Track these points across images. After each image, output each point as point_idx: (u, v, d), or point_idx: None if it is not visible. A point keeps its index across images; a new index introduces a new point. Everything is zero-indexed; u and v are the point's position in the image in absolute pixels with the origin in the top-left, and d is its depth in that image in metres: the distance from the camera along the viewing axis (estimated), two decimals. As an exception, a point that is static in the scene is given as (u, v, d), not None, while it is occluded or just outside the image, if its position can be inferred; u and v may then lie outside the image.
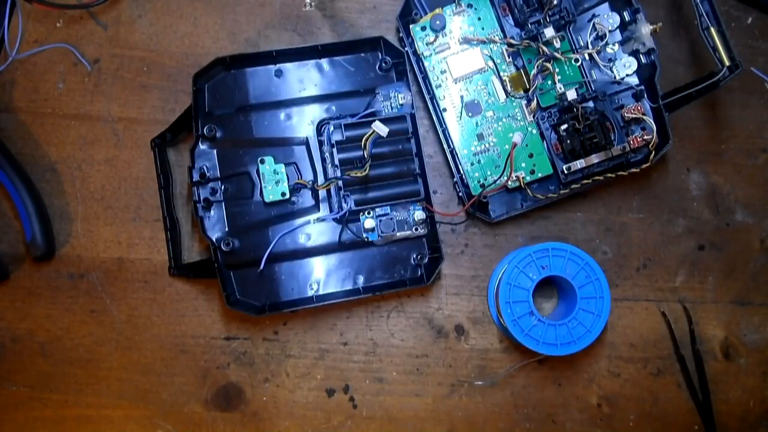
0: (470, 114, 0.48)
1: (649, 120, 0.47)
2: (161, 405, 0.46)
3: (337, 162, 0.46)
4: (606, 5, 0.48)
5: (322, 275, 0.46)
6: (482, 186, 0.47)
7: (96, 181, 0.48)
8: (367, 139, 0.44)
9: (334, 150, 0.46)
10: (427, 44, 0.48)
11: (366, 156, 0.45)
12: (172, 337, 0.47)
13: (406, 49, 0.48)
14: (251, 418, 0.47)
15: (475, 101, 0.48)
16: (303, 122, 0.47)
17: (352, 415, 0.47)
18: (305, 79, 0.48)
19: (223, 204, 0.46)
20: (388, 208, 0.46)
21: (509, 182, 0.47)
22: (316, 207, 0.46)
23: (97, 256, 0.48)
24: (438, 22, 0.48)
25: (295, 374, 0.47)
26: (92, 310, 0.47)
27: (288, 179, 0.46)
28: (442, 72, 0.48)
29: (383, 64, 0.48)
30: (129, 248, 0.48)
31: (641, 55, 0.47)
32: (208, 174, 0.46)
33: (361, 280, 0.46)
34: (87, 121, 0.49)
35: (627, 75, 0.48)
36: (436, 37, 0.48)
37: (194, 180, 0.45)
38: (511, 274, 0.45)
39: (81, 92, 0.49)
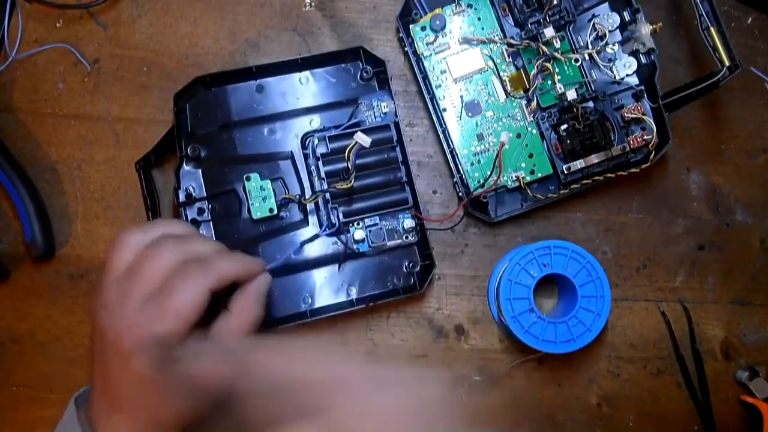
0: (470, 114, 0.48)
1: (649, 120, 0.47)
2: (161, 405, 0.46)
3: (323, 174, 0.46)
4: (606, 5, 0.48)
5: (314, 288, 0.46)
6: (481, 186, 0.47)
7: (96, 181, 0.48)
8: (350, 151, 0.44)
9: (320, 163, 0.46)
10: (427, 44, 0.48)
11: (350, 168, 0.45)
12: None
13: (406, 49, 0.48)
14: (251, 418, 0.46)
15: (475, 101, 0.48)
16: (287, 136, 0.47)
17: (352, 415, 0.47)
18: (287, 92, 0.48)
19: (211, 223, 0.46)
20: (377, 218, 0.46)
21: (508, 181, 0.47)
22: (304, 221, 0.46)
23: (97, 256, 0.48)
24: (438, 22, 0.48)
25: (295, 374, 0.47)
26: (92, 310, 0.47)
27: (275, 195, 0.46)
28: (442, 72, 0.48)
29: (364, 74, 0.48)
30: (129, 248, 0.48)
31: (641, 55, 0.47)
32: (194, 194, 0.46)
33: (354, 291, 0.46)
34: (87, 121, 0.49)
35: (627, 75, 0.48)
36: (436, 37, 0.48)
37: (180, 201, 0.45)
38: (513, 271, 0.45)
39: (81, 92, 0.49)
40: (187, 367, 0.36)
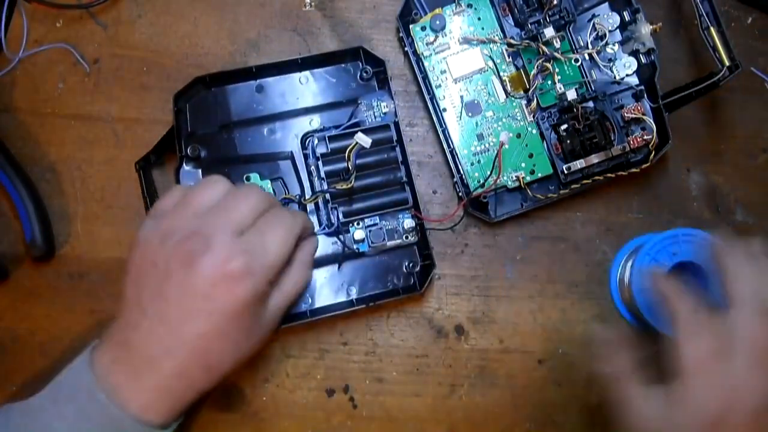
0: (470, 114, 0.48)
1: (649, 120, 0.47)
2: (161, 405, 0.46)
3: (323, 174, 0.46)
4: (606, 5, 0.48)
5: (314, 288, 0.46)
6: (481, 186, 0.47)
7: (96, 181, 0.48)
8: (350, 151, 0.44)
9: (320, 163, 0.46)
10: (427, 44, 0.48)
11: (350, 168, 0.45)
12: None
13: (406, 49, 0.48)
14: (251, 418, 0.47)
15: (475, 101, 0.48)
16: (287, 136, 0.47)
17: (352, 415, 0.47)
18: (287, 92, 0.48)
19: None
20: (377, 218, 0.46)
21: (508, 181, 0.47)
22: None
23: (97, 256, 0.48)
24: (438, 22, 0.48)
25: (295, 374, 0.47)
26: (92, 310, 0.47)
27: (275, 195, 0.46)
28: (442, 72, 0.48)
29: (364, 74, 0.48)
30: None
31: (641, 55, 0.47)
32: None
33: (354, 291, 0.46)
34: (87, 121, 0.49)
35: (627, 75, 0.48)
36: (436, 37, 0.48)
37: None
38: (643, 261, 0.45)
39: (81, 92, 0.49)
40: (274, 302, 0.40)
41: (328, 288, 0.46)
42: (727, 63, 0.44)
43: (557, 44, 0.47)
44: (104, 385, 0.36)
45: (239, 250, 0.36)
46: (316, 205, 0.46)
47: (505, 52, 0.48)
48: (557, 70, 0.47)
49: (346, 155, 0.44)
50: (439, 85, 0.48)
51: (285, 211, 0.41)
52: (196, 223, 0.37)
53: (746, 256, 0.38)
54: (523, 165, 0.48)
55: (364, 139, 0.44)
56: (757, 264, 0.38)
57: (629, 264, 0.47)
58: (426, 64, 0.48)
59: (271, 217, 0.39)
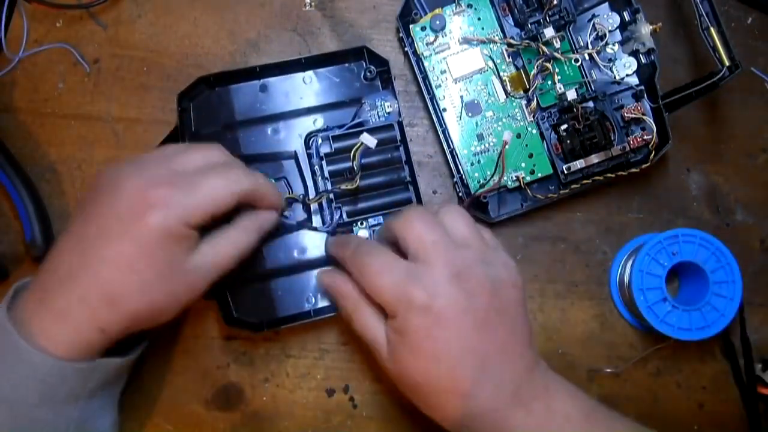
0: (470, 114, 0.48)
1: (649, 120, 0.47)
2: (161, 404, 0.46)
3: (327, 174, 0.46)
4: (606, 5, 0.48)
5: (317, 288, 0.46)
6: (482, 186, 0.47)
7: (96, 181, 0.48)
8: (355, 152, 0.44)
9: (323, 162, 0.46)
10: (427, 44, 0.48)
11: (355, 168, 0.45)
12: (172, 336, 0.47)
13: (406, 49, 0.48)
14: (251, 418, 0.47)
15: (475, 101, 0.48)
16: (291, 136, 0.47)
17: (352, 415, 0.47)
18: (290, 92, 0.48)
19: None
20: (381, 217, 0.46)
21: (508, 181, 0.47)
22: (308, 220, 0.46)
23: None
24: (438, 22, 0.48)
25: (295, 374, 0.47)
26: (92, 310, 0.47)
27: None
28: (442, 72, 0.48)
29: (368, 74, 0.48)
30: (129, 248, 0.48)
31: (641, 55, 0.47)
32: None
33: None
34: (87, 121, 0.49)
35: (627, 75, 0.48)
36: (436, 37, 0.48)
37: None
38: (643, 261, 0.45)
39: (81, 92, 0.49)
40: (203, 255, 0.37)
41: None
42: (727, 63, 0.44)
43: (557, 44, 0.47)
44: (17, 315, 0.35)
45: (165, 182, 0.35)
46: (320, 204, 0.46)
47: (505, 52, 0.48)
48: (557, 70, 0.47)
49: (351, 155, 0.44)
50: (439, 85, 0.48)
51: (234, 168, 0.39)
52: (142, 159, 0.38)
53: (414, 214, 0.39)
54: (523, 165, 0.48)
55: (369, 140, 0.44)
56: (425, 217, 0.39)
57: (629, 264, 0.47)
58: (426, 64, 0.48)
59: (216, 167, 0.38)
